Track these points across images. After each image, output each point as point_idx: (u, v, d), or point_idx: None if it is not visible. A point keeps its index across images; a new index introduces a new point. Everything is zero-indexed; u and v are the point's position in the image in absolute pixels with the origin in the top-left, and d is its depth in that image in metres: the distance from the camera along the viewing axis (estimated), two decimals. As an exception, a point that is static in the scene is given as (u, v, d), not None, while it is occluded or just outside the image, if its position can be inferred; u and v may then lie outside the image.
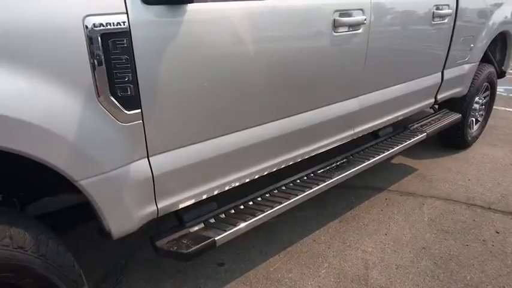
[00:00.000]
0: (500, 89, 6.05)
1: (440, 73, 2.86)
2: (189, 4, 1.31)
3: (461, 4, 2.74)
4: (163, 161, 1.43)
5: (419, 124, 2.99)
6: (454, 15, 2.69)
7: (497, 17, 3.29)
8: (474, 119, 3.80)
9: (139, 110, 1.29)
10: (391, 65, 2.31)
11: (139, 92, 1.27)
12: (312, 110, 1.94)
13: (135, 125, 1.30)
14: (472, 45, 3.07)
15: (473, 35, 3.05)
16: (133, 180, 1.35)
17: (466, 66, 3.15)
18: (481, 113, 3.86)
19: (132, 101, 1.26)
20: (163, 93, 1.33)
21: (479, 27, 3.10)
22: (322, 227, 2.49)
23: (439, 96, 2.98)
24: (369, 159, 2.36)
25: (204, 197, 1.64)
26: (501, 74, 4.03)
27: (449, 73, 2.95)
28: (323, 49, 1.82)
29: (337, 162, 2.33)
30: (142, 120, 1.31)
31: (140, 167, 1.37)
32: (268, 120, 1.74)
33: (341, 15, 1.82)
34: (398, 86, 2.46)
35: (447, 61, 2.85)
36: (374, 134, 2.63)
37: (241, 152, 1.66)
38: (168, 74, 1.32)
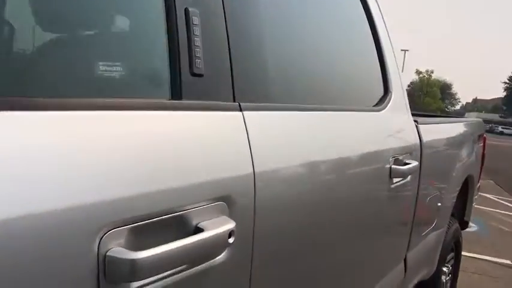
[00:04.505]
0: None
1: (402, 262, 1.65)
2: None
3: (426, 149, 1.66)
4: None
5: None
6: (419, 168, 1.58)
7: (464, 159, 2.31)
8: (440, 295, 2.61)
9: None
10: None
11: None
12: None
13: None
14: (439, 204, 1.97)
15: (441, 190, 1.97)
16: None
17: (434, 236, 2.01)
18: (448, 285, 2.70)
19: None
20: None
21: (447, 177, 2.06)
22: None
23: (401, 295, 1.75)
24: None
25: None
26: (464, 225, 3.03)
27: (414, 256, 1.76)
28: None
29: None
30: None
31: None
32: None
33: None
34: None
35: (411, 239, 1.67)
36: None
37: None
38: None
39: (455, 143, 2.17)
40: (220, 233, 0.60)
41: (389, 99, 1.43)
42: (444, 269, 2.54)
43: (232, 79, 0.76)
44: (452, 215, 2.72)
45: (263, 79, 0.87)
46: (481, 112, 70.03)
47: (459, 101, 63.15)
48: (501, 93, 63.37)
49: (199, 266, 0.62)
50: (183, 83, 0.67)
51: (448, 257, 2.66)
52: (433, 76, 45.94)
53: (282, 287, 0.85)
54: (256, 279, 0.74)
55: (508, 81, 60.96)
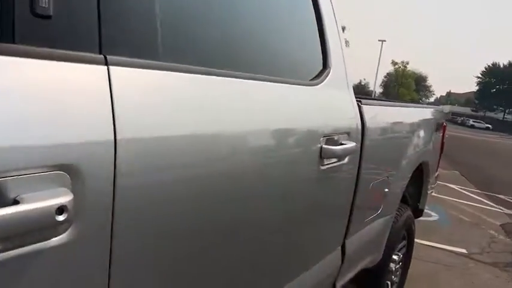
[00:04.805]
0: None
1: (339, 248, 1.58)
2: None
3: (369, 130, 1.58)
4: None
5: None
6: (359, 150, 1.49)
7: (418, 144, 2.26)
8: (389, 283, 2.59)
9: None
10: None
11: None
12: None
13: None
14: (386, 190, 1.91)
15: (388, 175, 1.90)
16: None
17: (379, 223, 1.96)
18: (397, 273, 2.68)
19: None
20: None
21: (396, 162, 1.99)
22: None
23: (340, 283, 1.68)
24: None
25: None
26: (418, 213, 3.02)
27: (354, 242, 1.69)
28: None
29: None
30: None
31: None
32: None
33: None
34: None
35: (350, 225, 1.60)
36: None
37: None
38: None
39: (407, 127, 2.11)
40: (43, 207, 0.48)
41: (327, 75, 1.33)
42: (394, 257, 2.51)
43: (99, 26, 0.63)
44: (406, 202, 2.70)
45: (150, 30, 0.74)
46: (454, 105, 71.75)
47: (433, 94, 64.50)
48: (474, 88, 65.04)
49: (24, 248, 0.50)
50: (18, 23, 0.54)
51: (400, 245, 2.64)
52: (410, 68, 46.74)
53: (160, 277, 0.73)
54: (119, 266, 0.62)
55: (481, 76, 62.56)
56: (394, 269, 2.50)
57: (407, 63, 46.13)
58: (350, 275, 1.75)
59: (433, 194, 3.70)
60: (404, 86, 44.02)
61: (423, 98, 53.85)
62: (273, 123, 1.01)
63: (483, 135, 35.56)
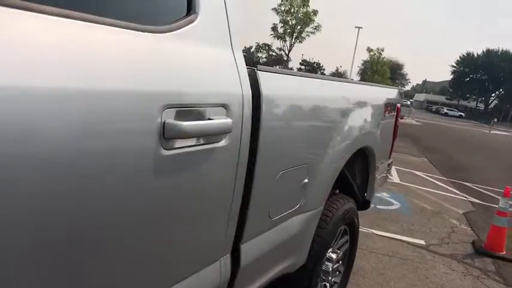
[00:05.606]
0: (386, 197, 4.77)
1: (227, 257, 1.22)
2: None
3: (270, 106, 1.22)
4: None
5: None
6: (249, 130, 1.12)
7: (355, 127, 1.92)
8: (328, 284, 2.28)
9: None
10: None
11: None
12: None
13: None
14: (306, 180, 1.56)
15: (308, 162, 1.55)
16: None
17: (300, 219, 1.61)
18: (337, 272, 2.38)
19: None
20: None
21: (320, 146, 1.64)
22: None
23: (236, 299, 1.32)
24: None
25: None
26: (364, 205, 2.70)
27: (255, 247, 1.33)
28: None
29: None
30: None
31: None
32: None
33: None
34: None
35: (245, 227, 1.24)
36: None
37: None
38: None
39: (335, 106, 1.76)
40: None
41: (190, 22, 0.95)
42: (332, 255, 2.20)
43: None
44: (350, 191, 2.38)
45: None
46: (430, 93, 72.61)
47: (409, 82, 64.98)
48: (449, 77, 65.81)
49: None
50: None
51: (340, 242, 2.33)
52: (386, 56, 46.63)
53: None
54: None
55: (455, 65, 63.31)
56: (331, 268, 2.18)
57: (383, 49, 45.99)
58: (255, 286, 1.40)
59: (388, 179, 3.39)
60: (379, 73, 43.95)
61: (399, 86, 54.28)
62: (79, 82, 0.63)
63: (456, 123, 36.13)
